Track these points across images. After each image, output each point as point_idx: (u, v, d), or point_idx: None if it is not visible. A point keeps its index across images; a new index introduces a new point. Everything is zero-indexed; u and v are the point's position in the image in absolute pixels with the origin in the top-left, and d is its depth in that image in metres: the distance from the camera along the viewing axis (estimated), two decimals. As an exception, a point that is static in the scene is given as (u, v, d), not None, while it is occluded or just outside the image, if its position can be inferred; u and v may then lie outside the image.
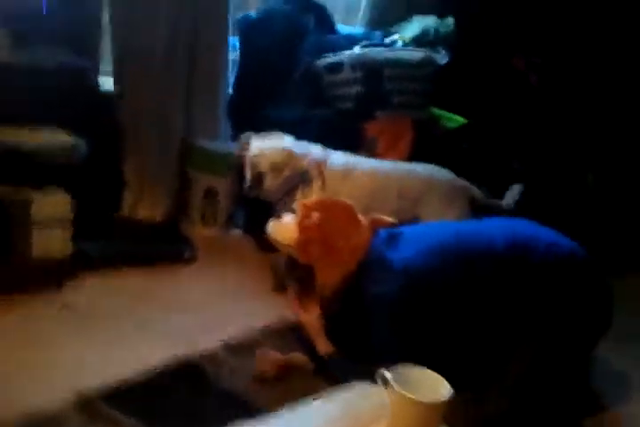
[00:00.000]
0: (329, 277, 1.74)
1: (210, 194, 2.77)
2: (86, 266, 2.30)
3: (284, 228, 1.80)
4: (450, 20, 3.06)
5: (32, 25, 2.11)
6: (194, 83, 2.75)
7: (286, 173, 2.21)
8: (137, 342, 1.96)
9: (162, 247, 2.54)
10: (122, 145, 2.64)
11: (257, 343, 1.99)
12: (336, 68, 2.63)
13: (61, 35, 2.24)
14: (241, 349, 1.95)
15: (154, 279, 2.36)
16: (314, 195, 2.20)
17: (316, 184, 2.23)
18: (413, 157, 2.58)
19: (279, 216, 1.85)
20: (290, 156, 2.23)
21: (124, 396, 1.66)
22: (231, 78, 2.89)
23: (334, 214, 1.74)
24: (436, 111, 2.84)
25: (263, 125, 2.64)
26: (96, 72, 2.53)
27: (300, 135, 2.46)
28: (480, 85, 2.92)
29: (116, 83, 2.59)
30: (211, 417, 1.63)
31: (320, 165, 2.25)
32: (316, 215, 1.72)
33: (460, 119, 2.83)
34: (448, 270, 1.57)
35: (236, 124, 2.84)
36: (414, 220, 2.12)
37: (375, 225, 1.78)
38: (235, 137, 2.92)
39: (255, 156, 2.24)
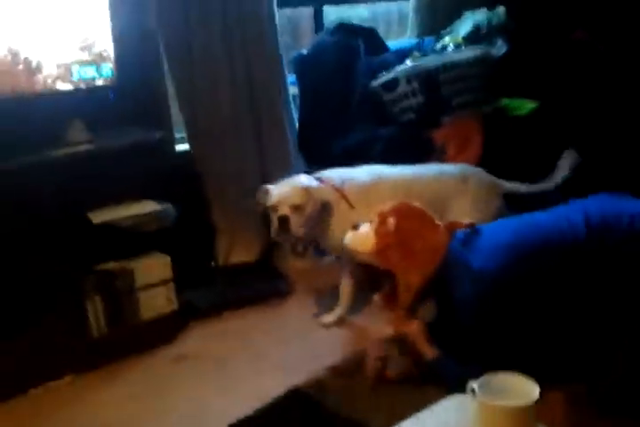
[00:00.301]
0: (410, 280, 1.74)
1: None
2: (193, 316, 2.43)
3: (361, 237, 1.81)
4: (500, 10, 3.00)
5: (103, 110, 2.28)
6: (262, 128, 2.82)
7: (308, 209, 2.19)
8: (251, 377, 2.05)
9: (259, 286, 2.62)
10: (207, 200, 2.76)
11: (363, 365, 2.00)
12: (391, 84, 2.64)
13: (132, 114, 2.40)
14: (350, 372, 1.95)
15: (257, 317, 2.46)
16: (340, 218, 2.18)
17: (338, 208, 2.21)
18: (487, 153, 2.52)
19: (355, 227, 1.86)
20: (307, 192, 2.20)
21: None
22: (295, 115, 2.97)
23: (410, 219, 1.75)
24: (506, 101, 2.76)
25: (333, 154, 2.72)
26: (171, 141, 2.69)
27: (369, 155, 2.49)
28: (547, 65, 2.81)
29: (190, 145, 2.75)
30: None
31: (338, 188, 2.23)
32: (391, 221, 1.74)
33: (530, 105, 2.73)
34: (528, 267, 1.50)
35: (308, 158, 2.91)
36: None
37: (452, 227, 1.76)
38: (309, 170, 2.99)
39: (275, 203, 2.21)
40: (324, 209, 2.22)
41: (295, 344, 2.23)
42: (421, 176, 2.26)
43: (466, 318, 1.57)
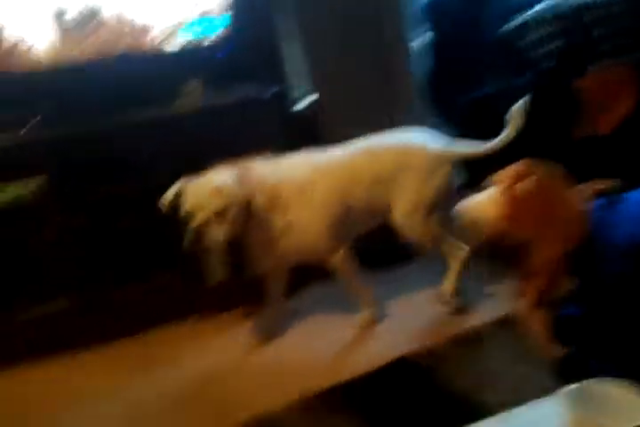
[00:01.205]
0: (549, 254, 1.53)
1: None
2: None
3: (482, 205, 1.62)
4: None
5: (216, 67, 2.26)
6: (389, 78, 2.73)
7: (231, 213, 1.79)
8: (366, 339, 1.99)
9: (383, 246, 2.50)
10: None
11: (485, 338, 1.86)
12: (526, 28, 2.38)
13: (246, 70, 2.35)
14: (466, 343, 1.85)
15: (380, 278, 2.31)
16: (274, 216, 1.89)
17: (266, 203, 1.88)
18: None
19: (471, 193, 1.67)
20: (224, 194, 1.79)
21: (349, 396, 1.69)
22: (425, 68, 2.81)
23: (546, 180, 1.48)
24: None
25: (462, 106, 2.54)
26: (286, 97, 2.59)
27: (504, 108, 2.28)
28: None
29: (313, 98, 2.68)
30: (434, 417, 1.56)
31: (263, 184, 1.89)
32: (526, 183, 1.51)
33: None
34: None
35: (434, 110, 2.76)
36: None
37: (595, 191, 1.53)
38: (439, 124, 2.83)
39: (189, 209, 1.79)
40: (252, 207, 1.86)
41: (415, 310, 2.12)
42: (358, 158, 2.00)
43: (611, 302, 1.37)
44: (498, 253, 1.78)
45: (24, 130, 2.01)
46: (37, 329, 2.06)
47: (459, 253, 2.07)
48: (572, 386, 0.95)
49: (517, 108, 2.05)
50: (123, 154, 2.08)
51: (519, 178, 1.48)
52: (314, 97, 2.66)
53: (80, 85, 2.08)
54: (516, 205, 1.49)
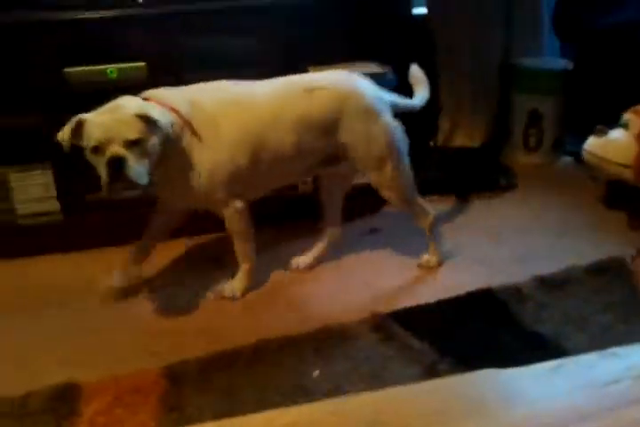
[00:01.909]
0: None
1: (534, 117, 2.49)
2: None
3: (614, 145, 1.46)
4: None
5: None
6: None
7: (149, 145, 1.52)
8: (445, 266, 1.90)
9: (477, 175, 2.39)
10: (437, 71, 2.52)
11: (576, 282, 1.73)
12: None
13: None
14: (553, 286, 1.72)
15: (467, 207, 2.26)
16: (194, 157, 1.61)
17: (187, 143, 1.61)
18: None
19: (601, 132, 1.51)
20: (146, 121, 1.52)
21: (420, 319, 1.62)
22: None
23: None
24: None
25: (598, 31, 2.29)
26: (407, 1, 2.42)
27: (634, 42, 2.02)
28: None
29: (428, 7, 2.47)
30: (506, 352, 1.48)
31: (183, 116, 1.61)
32: None
33: None
34: None
35: (563, 34, 2.47)
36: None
37: None
38: (563, 51, 2.56)
39: (101, 140, 1.50)
40: (168, 145, 1.58)
41: (504, 244, 2.00)
42: (287, 96, 1.71)
43: None
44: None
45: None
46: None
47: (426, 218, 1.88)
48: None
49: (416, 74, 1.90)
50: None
51: None
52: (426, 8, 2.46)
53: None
54: None
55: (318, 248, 1.96)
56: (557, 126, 2.50)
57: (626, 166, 1.41)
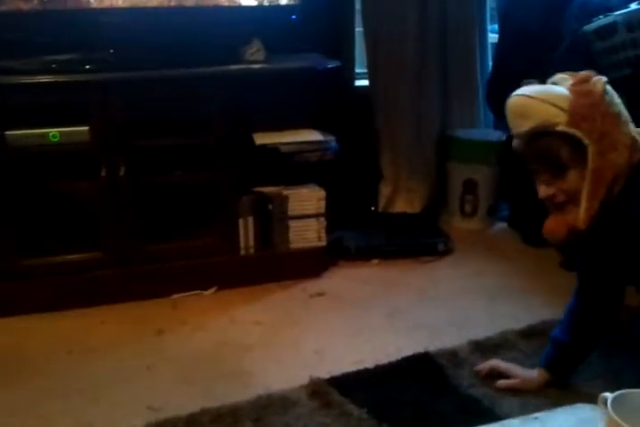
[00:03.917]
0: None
1: (470, 185, 2.61)
2: (342, 256, 2.37)
3: (552, 89, 1.36)
4: None
5: (284, 32, 2.20)
6: (448, 72, 2.65)
7: None
8: (382, 331, 1.93)
9: (416, 239, 2.46)
10: (378, 139, 2.65)
11: (509, 346, 1.78)
12: (608, 30, 2.23)
13: (313, 39, 2.33)
14: (488, 350, 1.76)
15: (406, 271, 2.32)
16: None
17: None
18: None
19: (531, 83, 1.42)
20: None
21: (359, 385, 1.61)
22: (490, 61, 2.71)
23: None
24: None
25: None
26: (350, 73, 2.57)
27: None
28: None
29: (370, 80, 2.61)
30: (442, 418, 1.49)
31: None
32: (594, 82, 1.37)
33: None
34: None
35: (496, 109, 2.63)
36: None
37: None
38: (497, 123, 2.72)
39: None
40: None
41: (440, 308, 2.06)
42: None
43: None
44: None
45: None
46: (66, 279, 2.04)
47: None
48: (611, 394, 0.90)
49: None
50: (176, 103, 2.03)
51: (585, 79, 1.38)
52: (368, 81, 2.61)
53: (146, 30, 2.05)
54: (583, 100, 1.33)
55: None
56: (491, 194, 2.63)
57: (562, 109, 1.32)
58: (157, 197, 2.10)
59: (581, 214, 1.29)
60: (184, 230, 2.16)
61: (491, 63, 2.72)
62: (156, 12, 2.08)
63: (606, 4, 2.36)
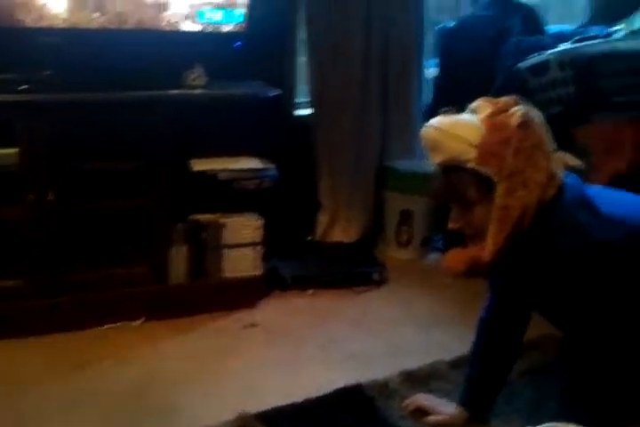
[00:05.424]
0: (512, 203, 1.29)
1: (405, 215, 2.65)
2: (277, 286, 2.34)
3: (464, 123, 1.32)
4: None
5: (226, 58, 2.21)
6: (388, 104, 2.70)
7: None
8: (316, 363, 1.91)
9: (351, 269, 2.46)
10: (317, 169, 2.66)
11: (439, 377, 1.79)
12: (541, 68, 2.32)
13: (255, 67, 2.33)
14: (418, 381, 1.76)
15: (341, 301, 2.31)
16: None
17: None
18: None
19: (449, 112, 1.38)
20: None
21: (287, 420, 1.58)
22: (429, 94, 2.79)
23: (531, 121, 1.32)
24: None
25: None
26: (291, 102, 2.58)
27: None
28: None
29: (312, 110, 2.64)
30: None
31: None
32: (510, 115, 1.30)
33: None
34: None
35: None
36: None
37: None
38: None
39: None
40: None
41: (374, 338, 2.05)
42: None
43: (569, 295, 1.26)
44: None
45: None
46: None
47: None
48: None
49: None
50: (114, 127, 1.99)
51: (503, 109, 1.32)
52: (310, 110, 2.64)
53: (85, 52, 2.02)
54: (494, 135, 1.28)
55: None
56: (426, 224, 2.67)
57: (472, 145, 1.29)
58: (87, 224, 2.04)
59: (487, 249, 1.27)
60: (114, 259, 2.10)
61: (429, 96, 2.78)
62: (96, 34, 2.05)
63: (540, 42, 2.47)
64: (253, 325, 2.12)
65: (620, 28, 2.43)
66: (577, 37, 2.41)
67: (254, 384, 1.78)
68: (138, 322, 2.07)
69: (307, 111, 2.66)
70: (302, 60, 2.61)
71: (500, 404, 1.57)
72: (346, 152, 2.66)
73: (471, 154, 1.27)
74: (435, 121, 1.34)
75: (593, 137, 2.26)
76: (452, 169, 1.31)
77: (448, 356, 1.89)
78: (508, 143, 1.26)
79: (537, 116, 1.34)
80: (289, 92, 2.53)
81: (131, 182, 2.03)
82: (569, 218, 1.24)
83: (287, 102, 2.55)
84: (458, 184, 1.31)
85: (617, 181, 2.10)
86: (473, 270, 1.34)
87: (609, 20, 2.72)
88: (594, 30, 2.53)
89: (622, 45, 2.29)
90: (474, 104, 1.36)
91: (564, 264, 1.22)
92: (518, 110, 1.27)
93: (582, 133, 2.27)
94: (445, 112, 1.36)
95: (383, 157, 2.73)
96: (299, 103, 2.67)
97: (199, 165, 2.14)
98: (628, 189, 1.51)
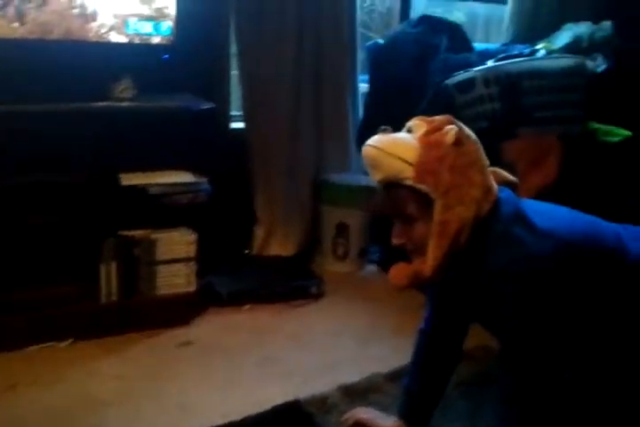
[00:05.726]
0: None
1: (341, 228, 2.67)
2: (213, 302, 2.29)
3: (401, 142, 1.35)
4: (607, 25, 2.71)
5: (155, 71, 2.17)
6: (322, 117, 2.72)
7: None
8: (253, 380, 1.88)
9: (289, 283, 2.44)
10: (252, 182, 2.64)
11: (376, 390, 1.79)
12: (467, 85, 2.40)
13: (185, 79, 2.30)
14: (356, 394, 1.76)
15: (278, 316, 2.29)
16: None
17: None
18: (564, 178, 2.25)
19: (386, 131, 1.39)
20: None
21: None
22: (361, 109, 2.82)
23: (465, 139, 1.34)
24: (595, 125, 2.48)
25: None
26: (225, 115, 2.56)
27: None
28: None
29: (245, 123, 2.62)
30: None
31: None
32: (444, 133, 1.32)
33: (624, 132, 2.43)
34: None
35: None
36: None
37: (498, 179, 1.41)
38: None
39: None
40: None
41: (312, 353, 2.04)
42: None
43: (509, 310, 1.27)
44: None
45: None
46: None
47: None
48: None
49: None
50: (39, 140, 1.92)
51: (438, 127, 1.34)
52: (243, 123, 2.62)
53: (6, 62, 1.94)
54: (430, 153, 1.31)
55: None
56: (362, 237, 2.69)
57: (409, 163, 1.32)
58: (11, 240, 1.95)
59: (427, 263, 1.30)
60: (40, 277, 2.00)
61: (362, 111, 2.83)
62: (17, 44, 1.96)
63: (467, 59, 2.55)
64: (188, 342, 2.06)
65: (542, 47, 2.55)
66: (501, 55, 2.52)
67: (190, 404, 1.74)
68: (66, 343, 1.99)
69: (242, 124, 2.64)
70: (236, 74, 2.60)
71: (436, 415, 1.58)
72: (280, 166, 2.66)
73: (409, 172, 1.30)
74: (373, 140, 1.37)
75: (519, 151, 2.35)
76: (393, 186, 1.33)
77: (385, 368, 1.90)
78: (444, 161, 1.28)
79: (471, 133, 1.37)
80: (222, 104, 2.51)
81: (57, 197, 1.96)
82: (505, 232, 1.27)
83: (221, 115, 2.52)
84: (398, 200, 1.34)
85: (542, 194, 2.20)
86: (415, 285, 1.37)
87: (531, 39, 2.86)
88: (517, 48, 2.64)
89: (543, 64, 2.40)
90: (410, 123, 1.39)
91: (500, 278, 1.25)
92: (452, 129, 1.30)
93: (509, 148, 2.35)
94: (384, 131, 1.38)
95: (319, 170, 2.74)
96: (234, 116, 2.65)
97: (128, 180, 2.09)
98: (554, 202, 1.58)
